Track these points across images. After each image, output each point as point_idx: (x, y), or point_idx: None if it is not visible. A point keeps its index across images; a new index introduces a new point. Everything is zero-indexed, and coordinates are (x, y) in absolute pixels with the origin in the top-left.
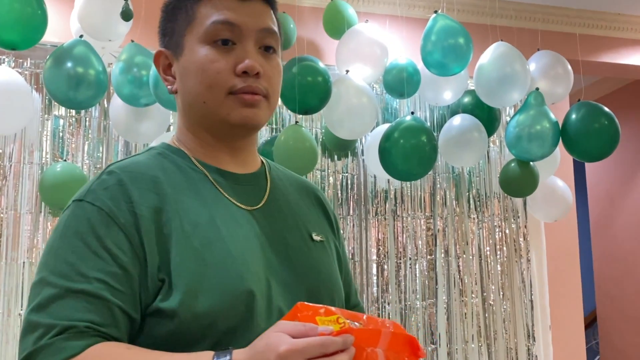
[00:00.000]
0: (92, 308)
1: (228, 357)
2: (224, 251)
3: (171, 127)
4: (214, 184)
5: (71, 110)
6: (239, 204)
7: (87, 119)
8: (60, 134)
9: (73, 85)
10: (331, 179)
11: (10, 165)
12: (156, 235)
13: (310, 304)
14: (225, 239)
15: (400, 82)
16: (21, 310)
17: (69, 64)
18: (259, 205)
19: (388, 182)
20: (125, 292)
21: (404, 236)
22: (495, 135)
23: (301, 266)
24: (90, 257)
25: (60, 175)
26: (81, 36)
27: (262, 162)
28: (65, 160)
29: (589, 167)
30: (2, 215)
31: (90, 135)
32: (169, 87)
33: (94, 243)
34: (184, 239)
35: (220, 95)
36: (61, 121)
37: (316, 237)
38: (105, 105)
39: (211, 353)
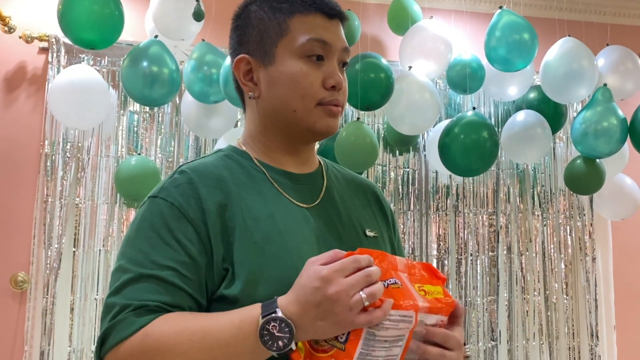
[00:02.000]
0: (162, 291)
1: (276, 306)
2: (281, 245)
3: (238, 123)
4: (273, 184)
5: (145, 106)
6: (296, 202)
7: (160, 114)
8: (135, 129)
9: (148, 83)
10: (392, 174)
11: (89, 158)
12: (221, 228)
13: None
14: (283, 233)
15: (464, 78)
16: (97, 295)
17: (145, 63)
18: (315, 203)
19: (450, 177)
20: (193, 278)
21: (465, 232)
22: (561, 132)
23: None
24: (163, 247)
25: (134, 168)
26: (156, 36)
27: (320, 162)
28: (139, 154)
29: None
30: (80, 205)
31: (162, 130)
32: (250, 93)
33: (166, 235)
34: (246, 233)
35: (310, 106)
36: (136, 116)
37: (369, 233)
38: (177, 102)
39: (258, 305)
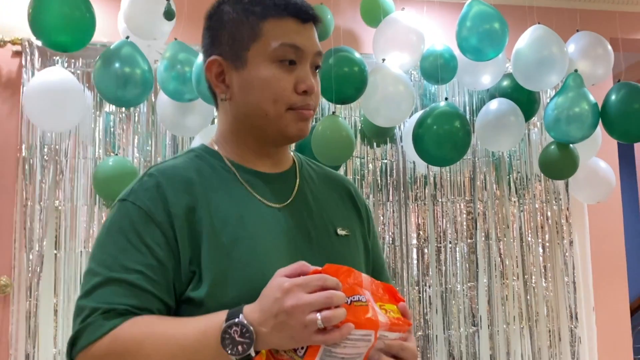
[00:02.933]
0: (131, 294)
1: (240, 313)
2: (249, 248)
3: (215, 120)
4: (243, 184)
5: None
6: (267, 202)
7: (136, 114)
8: (112, 130)
9: (121, 84)
10: (370, 166)
11: (66, 161)
12: (188, 231)
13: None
14: (251, 236)
15: (437, 69)
16: None
17: (117, 65)
18: (287, 202)
19: (427, 167)
20: (160, 281)
21: (444, 220)
22: (535, 118)
23: (324, 261)
24: (131, 251)
25: (112, 169)
26: (127, 37)
27: (294, 159)
28: (116, 155)
29: (638, 146)
30: (60, 207)
31: (139, 130)
32: (222, 95)
33: (134, 239)
34: (213, 236)
35: (282, 110)
36: (112, 117)
37: (341, 232)
38: (153, 101)
39: (225, 312)
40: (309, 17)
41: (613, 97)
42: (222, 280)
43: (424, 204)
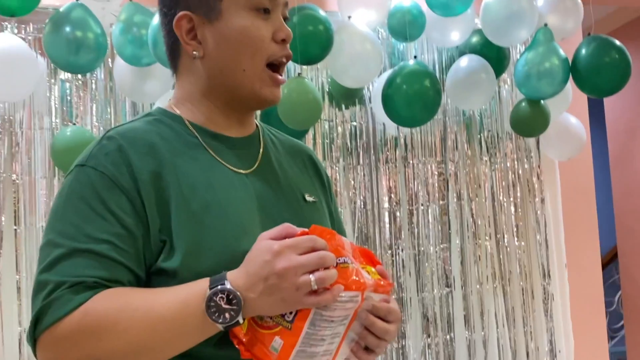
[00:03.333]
0: (99, 265)
1: (224, 279)
2: (221, 214)
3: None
4: (208, 150)
5: (76, 74)
6: (233, 168)
7: (93, 81)
8: (68, 98)
9: (73, 49)
10: (339, 128)
11: (22, 132)
12: (156, 198)
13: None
14: (222, 202)
15: (405, 26)
16: None
17: (68, 29)
18: (253, 168)
19: (397, 129)
20: (130, 251)
21: (415, 182)
22: (505, 75)
23: (297, 225)
24: (96, 220)
25: (70, 139)
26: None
27: (257, 125)
28: (74, 124)
29: (607, 101)
30: (17, 181)
31: (97, 98)
32: (194, 52)
33: (98, 206)
34: (183, 203)
35: (260, 65)
36: (67, 85)
37: (309, 198)
38: (110, 67)
39: (206, 279)
40: None
41: (583, 51)
42: (196, 249)
43: (395, 166)
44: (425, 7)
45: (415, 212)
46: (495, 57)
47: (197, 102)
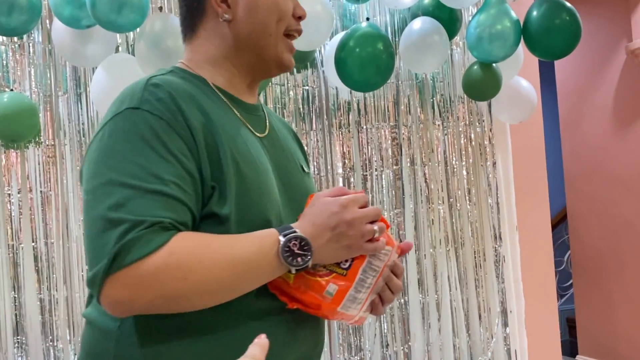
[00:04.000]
0: (170, 207)
1: (293, 229)
2: (257, 170)
3: (119, 48)
4: (233, 110)
5: (8, 37)
6: (253, 131)
7: (31, 44)
8: (4, 62)
9: (5, 10)
10: (291, 93)
11: None
12: (206, 146)
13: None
14: (255, 160)
15: None
16: None
17: None
18: (265, 134)
19: (350, 93)
20: (192, 194)
21: (369, 148)
22: (458, 37)
23: (300, 193)
24: (160, 161)
25: (8, 105)
26: None
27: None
28: (12, 90)
29: (557, 63)
30: None
31: (35, 62)
32: (225, 15)
33: (160, 149)
34: (229, 154)
35: (281, 31)
36: (3, 48)
37: (305, 169)
38: (49, 28)
39: (272, 230)
40: None
41: (534, 13)
42: (243, 199)
43: (348, 131)
44: None
45: (369, 177)
46: (447, 19)
47: (218, 65)
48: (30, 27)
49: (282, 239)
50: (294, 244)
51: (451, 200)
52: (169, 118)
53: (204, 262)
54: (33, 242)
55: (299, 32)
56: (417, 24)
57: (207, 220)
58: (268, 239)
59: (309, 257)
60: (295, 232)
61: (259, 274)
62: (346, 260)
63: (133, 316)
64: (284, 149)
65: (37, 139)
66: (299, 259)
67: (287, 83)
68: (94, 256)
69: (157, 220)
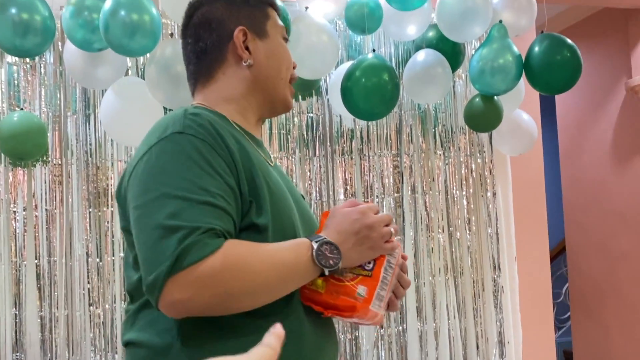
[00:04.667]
0: (218, 216)
1: (322, 236)
2: (282, 190)
3: (129, 72)
4: (250, 142)
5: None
6: (267, 161)
7: (42, 65)
8: (15, 82)
9: (19, 32)
10: (296, 119)
11: None
12: (243, 166)
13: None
14: (278, 181)
15: (362, 18)
16: None
17: (13, 11)
18: (273, 165)
19: (354, 121)
20: (234, 207)
21: (371, 175)
22: (460, 70)
23: (308, 214)
24: (206, 177)
25: (18, 124)
26: None
27: None
28: (22, 109)
29: (558, 97)
30: None
31: (46, 82)
32: (249, 60)
33: (205, 166)
34: (260, 173)
35: (288, 77)
36: (15, 68)
37: (304, 195)
38: (60, 50)
39: (304, 238)
40: (279, 10)
41: (536, 48)
42: (277, 211)
43: (351, 158)
44: (382, 0)
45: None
46: (450, 52)
47: (234, 102)
48: (44, 49)
49: (314, 244)
50: (325, 248)
51: (451, 229)
52: (210, 141)
53: (254, 264)
54: (36, 259)
55: (295, 79)
56: (421, 55)
57: (247, 230)
58: (303, 245)
59: (339, 259)
60: (325, 238)
61: (297, 276)
62: (369, 262)
63: (185, 335)
64: (287, 178)
65: (44, 158)
66: (331, 261)
67: (292, 110)
68: (153, 261)
69: (211, 227)
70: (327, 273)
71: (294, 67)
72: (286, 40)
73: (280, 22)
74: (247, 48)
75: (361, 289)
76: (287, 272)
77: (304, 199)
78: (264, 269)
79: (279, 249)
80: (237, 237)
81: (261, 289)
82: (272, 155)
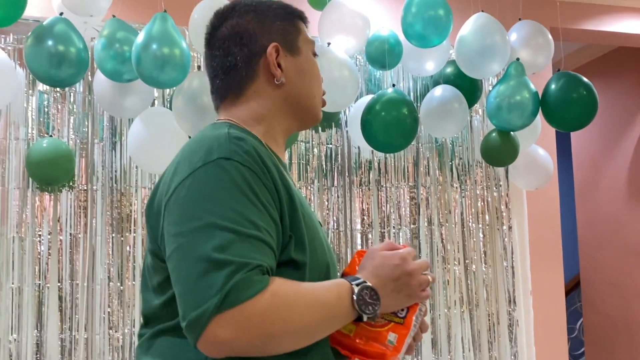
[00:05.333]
0: (265, 253)
1: (360, 279)
2: (313, 222)
3: (156, 102)
4: (281, 168)
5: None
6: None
7: (72, 94)
8: (46, 109)
9: (55, 63)
10: (315, 150)
11: None
12: (285, 196)
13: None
14: (311, 214)
15: (383, 54)
16: (12, 284)
17: (50, 42)
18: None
19: (372, 152)
20: (276, 242)
21: (388, 206)
22: (478, 105)
23: (329, 246)
24: (253, 209)
25: (46, 150)
26: (61, 14)
27: None
28: (51, 136)
29: (574, 134)
30: None
31: (75, 110)
32: (281, 78)
33: (252, 197)
34: (299, 204)
35: (321, 94)
36: (46, 96)
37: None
38: (90, 80)
39: (343, 280)
40: (308, 22)
41: (553, 86)
42: (313, 247)
43: (369, 189)
44: (402, 37)
45: (387, 234)
46: (468, 87)
47: (265, 123)
48: (77, 80)
49: (355, 288)
50: (365, 293)
51: (467, 261)
52: (257, 169)
53: (299, 306)
54: (59, 282)
55: (324, 94)
56: (438, 91)
57: (285, 265)
58: (343, 288)
59: (378, 305)
60: (365, 282)
61: (336, 320)
62: (402, 310)
63: None
64: (308, 204)
65: (71, 183)
66: (370, 307)
67: (312, 140)
68: (198, 296)
69: (259, 264)
70: (365, 319)
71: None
72: (315, 55)
73: (310, 37)
74: (279, 65)
75: (392, 337)
76: (329, 315)
77: (321, 225)
78: (308, 311)
79: (321, 290)
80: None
81: (304, 331)
82: None
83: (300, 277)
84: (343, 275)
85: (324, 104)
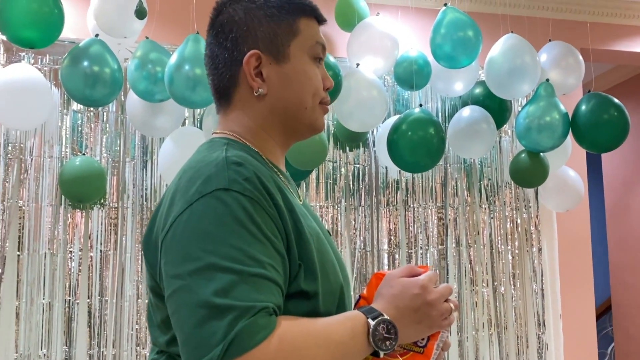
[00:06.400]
0: (271, 291)
1: (377, 312)
2: (322, 241)
3: (186, 122)
4: (283, 181)
5: None
6: (297, 200)
7: (105, 113)
8: (79, 128)
9: (90, 83)
10: (343, 170)
11: (31, 159)
12: (290, 223)
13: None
14: (318, 231)
15: (411, 75)
16: (43, 299)
17: (85, 63)
18: (302, 201)
19: (399, 172)
20: (282, 275)
21: (415, 226)
22: (507, 125)
23: (338, 258)
24: (256, 243)
25: (79, 168)
26: (97, 35)
27: None
28: (84, 154)
29: (605, 155)
30: (23, 207)
31: (107, 130)
32: (260, 89)
33: (255, 230)
34: (306, 229)
35: (316, 103)
36: (79, 116)
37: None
38: (122, 100)
39: (358, 312)
40: (324, 19)
41: (583, 107)
42: (325, 273)
43: (396, 209)
44: (431, 58)
45: (414, 255)
46: (497, 108)
47: (257, 136)
48: (111, 100)
49: (371, 322)
50: (382, 327)
51: (495, 283)
52: (258, 198)
53: (310, 348)
54: (88, 298)
55: (329, 102)
56: (467, 112)
57: (295, 297)
58: (357, 322)
59: (396, 340)
60: (382, 315)
61: (350, 357)
62: (422, 339)
63: None
64: (315, 214)
65: (102, 201)
66: (387, 343)
67: (339, 160)
68: (199, 346)
69: (264, 306)
70: (381, 355)
71: (329, 88)
72: (321, 59)
73: (314, 37)
74: (261, 74)
75: None
76: (342, 353)
77: (330, 235)
78: (320, 352)
79: (333, 327)
80: (284, 305)
81: None
82: (318, 204)
83: (313, 307)
84: (359, 300)
85: (325, 110)
